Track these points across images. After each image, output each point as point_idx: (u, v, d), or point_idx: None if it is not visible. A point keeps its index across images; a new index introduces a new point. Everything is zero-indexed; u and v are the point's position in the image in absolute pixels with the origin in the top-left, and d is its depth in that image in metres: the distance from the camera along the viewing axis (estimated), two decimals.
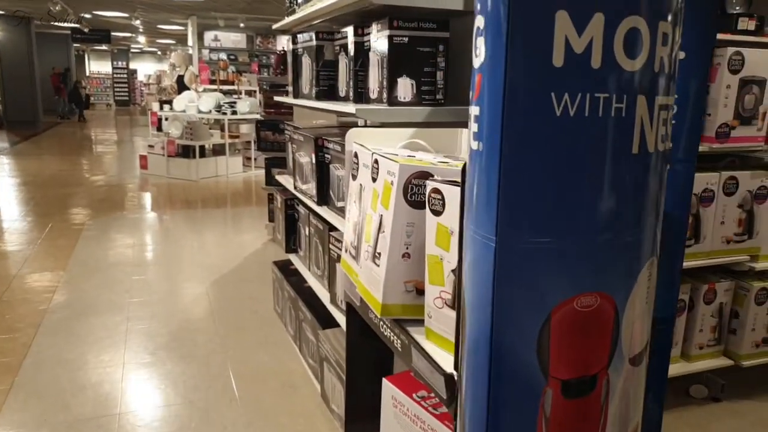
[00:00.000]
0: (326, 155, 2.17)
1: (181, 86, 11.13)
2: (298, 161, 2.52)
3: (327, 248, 2.26)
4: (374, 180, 1.47)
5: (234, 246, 5.50)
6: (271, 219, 5.84)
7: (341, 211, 2.09)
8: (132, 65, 32.22)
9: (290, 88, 2.75)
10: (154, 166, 9.61)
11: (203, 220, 6.56)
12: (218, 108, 9.61)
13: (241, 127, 10.03)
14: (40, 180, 8.89)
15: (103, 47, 29.16)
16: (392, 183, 1.34)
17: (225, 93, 11.41)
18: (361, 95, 2.08)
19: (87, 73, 33.03)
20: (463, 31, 2.06)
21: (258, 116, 10.31)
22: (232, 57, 16.75)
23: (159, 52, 33.68)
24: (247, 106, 9.81)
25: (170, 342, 3.45)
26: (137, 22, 15.01)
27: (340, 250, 2.09)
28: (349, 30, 2.07)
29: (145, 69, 31.35)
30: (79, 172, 9.92)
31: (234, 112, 9.51)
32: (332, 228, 2.17)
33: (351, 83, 2.10)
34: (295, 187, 2.59)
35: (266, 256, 5.18)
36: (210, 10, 14.26)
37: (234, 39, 16.80)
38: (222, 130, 9.86)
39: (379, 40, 1.86)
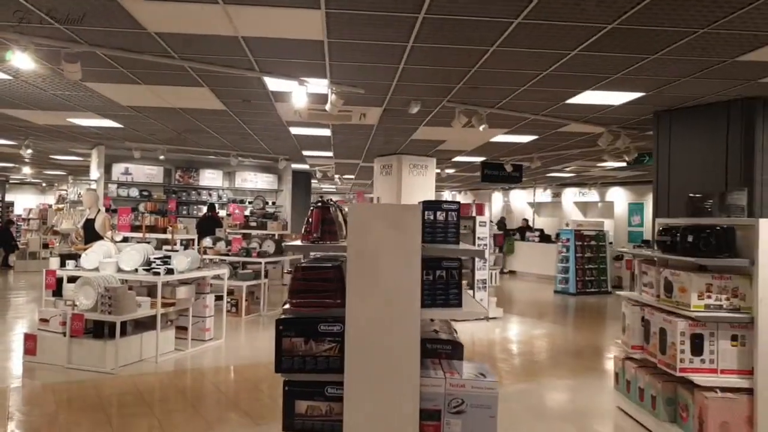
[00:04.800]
0: None
1: (91, 233, 8.42)
2: None
3: None
4: None
5: None
6: None
7: None
8: (9, 197, 28.17)
9: None
10: (47, 350, 6.63)
11: None
12: (147, 265, 7.00)
13: (178, 290, 7.39)
14: None
15: None
16: None
17: (149, 242, 8.82)
18: None
19: None
20: None
21: (207, 275, 7.75)
22: (145, 193, 14.16)
23: (44, 184, 29.99)
24: (187, 263, 7.28)
25: None
26: (27, 152, 12.21)
27: None
28: None
29: (24, 202, 27.43)
30: None
31: (170, 271, 6.94)
32: None
33: None
34: None
35: None
36: (124, 139, 11.87)
37: (148, 173, 14.33)
38: (151, 295, 7.18)
39: None
